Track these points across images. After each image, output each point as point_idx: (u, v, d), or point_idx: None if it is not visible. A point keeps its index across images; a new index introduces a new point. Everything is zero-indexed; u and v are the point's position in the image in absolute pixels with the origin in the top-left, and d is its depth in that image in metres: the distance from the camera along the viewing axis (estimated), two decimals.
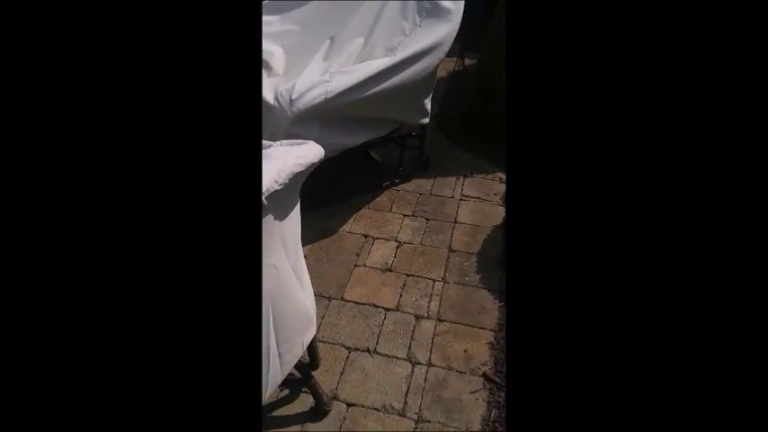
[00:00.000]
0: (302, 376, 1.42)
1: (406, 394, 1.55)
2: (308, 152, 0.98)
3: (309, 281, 1.33)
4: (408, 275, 1.96)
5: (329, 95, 1.77)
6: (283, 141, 1.03)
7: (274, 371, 1.14)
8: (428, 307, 1.83)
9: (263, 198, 0.89)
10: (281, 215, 1.04)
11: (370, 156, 2.62)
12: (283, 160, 0.93)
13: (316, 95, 1.78)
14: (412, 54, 1.86)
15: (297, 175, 0.96)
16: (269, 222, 0.98)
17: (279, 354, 1.13)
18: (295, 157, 0.95)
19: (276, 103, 1.79)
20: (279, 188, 0.91)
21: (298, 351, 1.27)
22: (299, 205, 1.14)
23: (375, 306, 1.84)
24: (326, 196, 2.30)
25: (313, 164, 0.99)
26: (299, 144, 0.98)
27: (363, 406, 1.52)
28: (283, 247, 1.08)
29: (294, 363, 1.28)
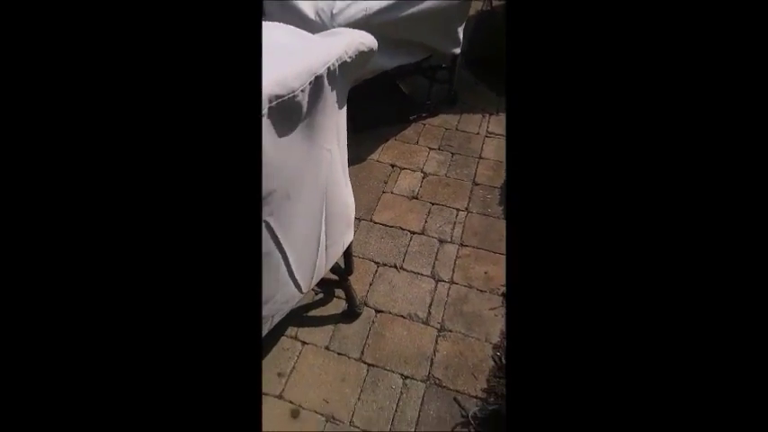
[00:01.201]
0: (339, 278, 1.55)
1: (430, 306, 1.70)
2: (368, 38, 1.00)
3: (350, 181, 1.41)
4: (433, 204, 2.06)
5: (369, 12, 1.81)
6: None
7: (320, 261, 1.23)
8: (451, 233, 1.95)
9: (331, 66, 0.90)
10: (339, 102, 1.07)
11: (398, 87, 2.64)
12: (351, 37, 0.96)
13: (356, 11, 1.82)
14: None
15: (361, 55, 0.97)
16: (329, 104, 1.00)
17: (326, 246, 1.22)
18: (360, 36, 0.98)
19: (317, 17, 1.81)
20: (348, 60, 0.93)
21: (339, 249, 1.37)
22: (346, 104, 1.17)
23: (401, 229, 1.95)
24: (356, 124, 2.35)
25: (372, 50, 1.01)
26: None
27: (391, 313, 1.67)
28: (336, 137, 1.12)
29: (337, 257, 1.37)
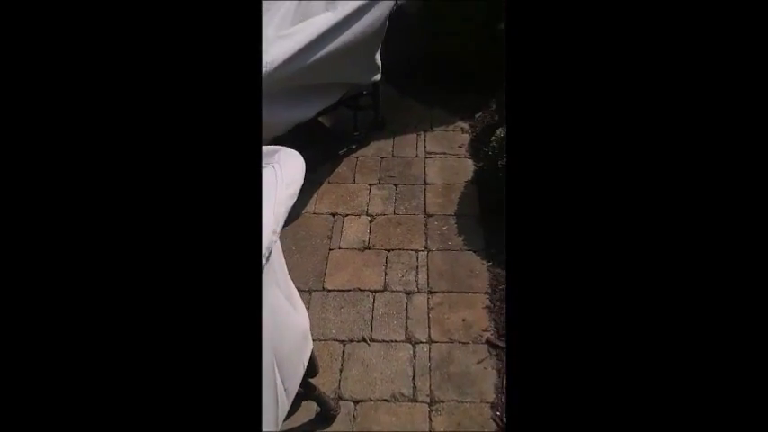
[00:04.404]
0: (304, 390, 1.29)
1: (413, 378, 1.48)
2: (294, 173, 0.82)
3: (298, 294, 1.18)
4: (389, 251, 1.84)
5: (269, 68, 1.51)
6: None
7: (282, 405, 1.02)
8: (416, 280, 1.74)
9: (264, 259, 0.73)
10: (272, 255, 0.88)
11: (319, 123, 2.39)
12: (275, 200, 0.78)
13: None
14: (358, 5, 1.62)
15: (292, 197, 0.82)
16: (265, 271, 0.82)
17: (285, 388, 1.00)
18: (285, 187, 0.79)
19: None
20: (276, 239, 0.76)
21: (300, 373, 1.14)
22: None
23: (360, 290, 1.72)
24: None
25: (300, 185, 0.84)
26: (277, 161, 0.81)
27: (371, 400, 1.44)
28: (276, 284, 0.93)
29: (298, 385, 1.15)
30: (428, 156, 2.23)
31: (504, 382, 1.46)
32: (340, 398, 1.44)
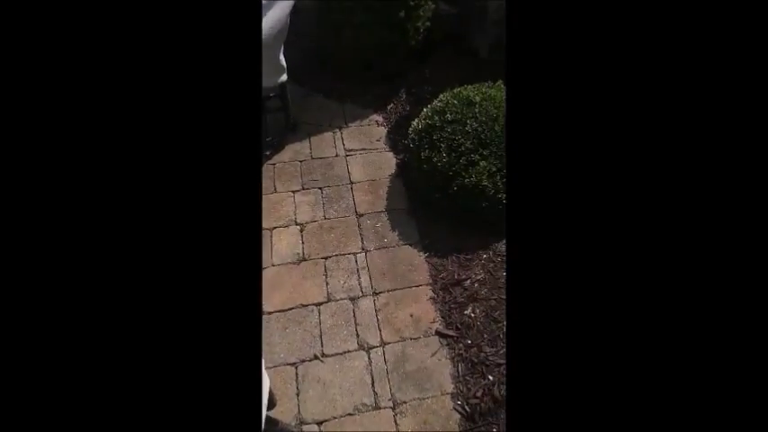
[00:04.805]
0: (266, 426, 1.21)
1: (372, 385, 1.46)
2: None
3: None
4: (326, 258, 1.78)
5: None
6: None
7: None
8: (359, 284, 1.71)
9: None
10: None
11: None
12: None
13: None
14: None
15: None
16: None
17: None
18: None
19: None
20: None
21: (262, 414, 1.06)
22: None
23: (303, 306, 1.65)
24: None
25: None
26: None
27: (335, 417, 1.40)
28: None
29: (262, 425, 1.07)
30: (348, 153, 2.19)
31: (461, 369, 1.50)
32: (302, 423, 1.38)
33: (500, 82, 2.01)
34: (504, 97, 1.87)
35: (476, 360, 1.51)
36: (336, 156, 2.18)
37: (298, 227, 1.90)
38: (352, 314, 1.63)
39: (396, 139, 2.24)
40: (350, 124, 2.33)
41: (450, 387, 1.47)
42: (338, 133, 2.28)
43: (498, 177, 1.73)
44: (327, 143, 2.24)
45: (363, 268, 1.76)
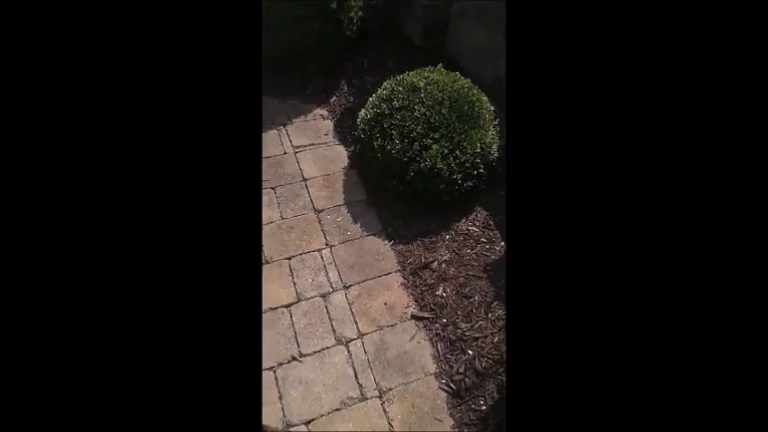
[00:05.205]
0: None
1: (356, 377, 1.46)
2: None
3: None
4: (290, 258, 1.74)
5: None
6: None
7: None
8: (329, 280, 1.68)
9: None
10: None
11: None
12: None
13: None
14: None
15: None
16: None
17: None
18: None
19: None
20: None
21: None
22: None
23: (273, 309, 1.60)
24: None
25: None
26: None
27: (322, 415, 1.38)
28: None
29: None
30: (297, 150, 2.14)
31: (440, 348, 1.53)
32: (289, 425, 1.34)
33: (440, 66, 2.06)
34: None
35: (453, 337, 1.55)
36: (285, 153, 2.12)
37: None
38: (326, 310, 1.60)
39: (344, 132, 2.22)
40: (294, 120, 2.28)
41: (432, 367, 1.49)
42: (283, 130, 2.22)
43: (452, 159, 1.77)
44: (273, 141, 2.17)
45: (330, 264, 1.73)
